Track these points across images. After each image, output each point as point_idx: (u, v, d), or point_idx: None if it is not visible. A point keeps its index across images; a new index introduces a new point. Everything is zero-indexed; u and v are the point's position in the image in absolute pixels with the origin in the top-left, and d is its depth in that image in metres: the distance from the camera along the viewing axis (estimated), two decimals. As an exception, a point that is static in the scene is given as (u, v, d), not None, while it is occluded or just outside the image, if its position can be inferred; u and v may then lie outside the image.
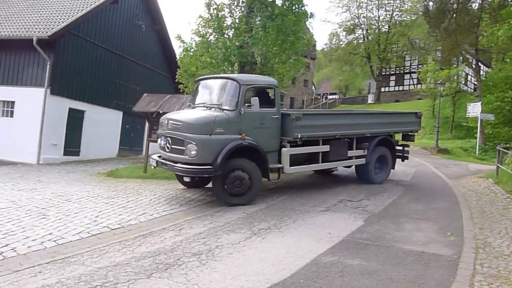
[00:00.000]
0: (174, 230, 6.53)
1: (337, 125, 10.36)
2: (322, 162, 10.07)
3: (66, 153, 17.54)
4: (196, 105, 9.30)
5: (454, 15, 27.64)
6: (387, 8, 49.74)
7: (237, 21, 15.73)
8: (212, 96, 9.34)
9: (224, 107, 8.60)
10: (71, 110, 17.67)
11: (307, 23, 30.52)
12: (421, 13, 35.26)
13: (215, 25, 15.03)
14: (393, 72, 52.70)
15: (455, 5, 27.84)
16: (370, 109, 33.39)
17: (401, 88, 51.72)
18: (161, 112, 12.56)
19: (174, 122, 8.48)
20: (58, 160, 16.76)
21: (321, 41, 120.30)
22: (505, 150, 12.99)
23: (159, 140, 9.20)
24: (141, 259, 5.14)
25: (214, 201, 8.76)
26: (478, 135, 25.59)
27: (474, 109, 25.65)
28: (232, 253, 5.40)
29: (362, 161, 10.98)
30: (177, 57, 16.80)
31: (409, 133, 12.51)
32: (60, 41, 16.85)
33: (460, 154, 24.36)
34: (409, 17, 48.08)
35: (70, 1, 18.77)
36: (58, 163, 16.34)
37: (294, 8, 15.50)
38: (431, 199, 9.70)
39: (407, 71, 50.94)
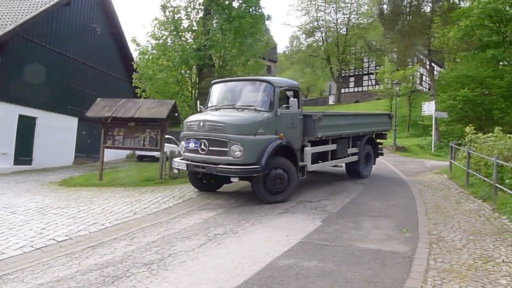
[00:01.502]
0: (126, 240, 6.24)
1: (344, 125, 11.39)
2: (330, 160, 10.84)
3: (17, 162, 16.73)
4: (221, 107, 9.43)
5: (408, 17, 28.56)
6: (345, 11, 50.85)
7: (194, 23, 15.53)
8: (241, 98, 9.47)
9: (259, 109, 8.89)
10: (21, 117, 16.87)
11: (266, 25, 30.62)
12: (376, 16, 36.23)
13: (172, 28, 14.76)
14: (352, 74, 53.81)
15: (408, 8, 28.76)
16: (334, 110, 33.93)
17: (360, 89, 52.90)
18: (116, 116, 12.21)
19: (213, 123, 8.49)
20: (9, 170, 15.94)
21: (283, 44, 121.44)
22: (457, 147, 13.40)
23: (182, 143, 9.22)
24: (87, 273, 4.85)
25: (171, 208, 8.52)
26: (433, 132, 26.44)
27: (429, 108, 26.50)
28: (186, 261, 5.20)
29: (355, 158, 11.92)
30: (134, 60, 16.33)
31: (383, 132, 13.82)
32: (8, 44, 16.07)
33: (417, 152, 25.10)
34: (365, 20, 49.27)
35: (20, 3, 17.95)
36: (8, 173, 15.53)
37: (251, 10, 15.45)
38: (389, 196, 9.83)
39: (366, 72, 52.14)
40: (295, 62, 58.77)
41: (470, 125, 13.55)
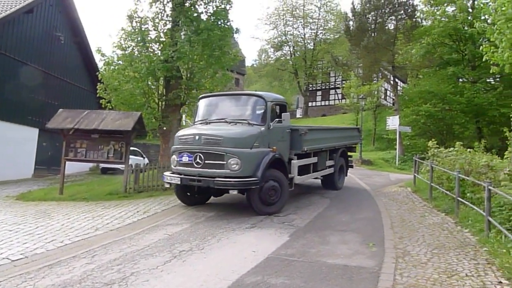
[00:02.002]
0: (86, 258, 5.95)
1: (324, 139, 12.00)
2: (312, 172, 11.23)
3: (-30, 175, 15.88)
4: (211, 121, 9.55)
5: (373, 34, 29.34)
6: (312, 27, 51.79)
7: (161, 35, 15.29)
8: (233, 112, 9.67)
9: (253, 122, 9.11)
10: (-25, 128, 16.08)
11: (235, 38, 30.68)
12: (343, 31, 37.09)
13: (138, 39, 14.47)
14: (319, 88, 54.70)
15: (373, 25, 29.57)
16: (302, 123, 34.21)
17: (327, 102, 53.80)
18: (79, 128, 11.81)
19: (210, 137, 8.61)
20: (-39, 184, 15.10)
21: (251, 57, 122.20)
22: (421, 161, 13.73)
23: (173, 156, 9.22)
24: (42, 294, 4.58)
25: (135, 223, 8.25)
26: (397, 146, 27.09)
27: (393, 122, 27.18)
28: (149, 280, 4.99)
29: (332, 170, 12.48)
30: (100, 71, 15.92)
31: (353, 146, 14.77)
32: (-36, 51, 15.36)
33: (382, 165, 25.60)
34: (332, 35, 50.37)
35: (-23, 9, 17.24)
36: (-40, 187, 14.70)
37: (219, 23, 15.40)
38: (355, 210, 9.90)
39: (332, 86, 53.13)
40: (263, 75, 59.19)
41: (433, 139, 13.92)
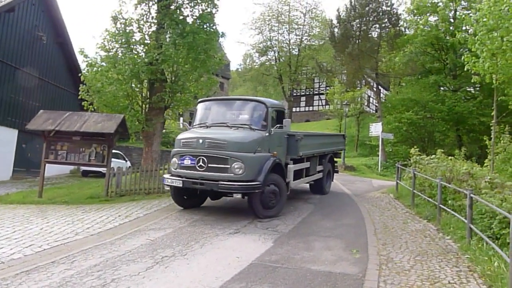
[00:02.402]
0: (65, 263, 5.79)
1: (317, 144, 12.31)
2: (305, 177, 11.46)
3: None
4: (212, 125, 9.58)
5: (357, 41, 29.67)
6: (297, 33, 51.99)
7: (146, 37, 15.15)
8: (234, 117, 9.77)
9: (254, 127, 9.24)
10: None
11: (220, 42, 30.55)
12: (328, 38, 37.43)
13: (123, 40, 14.30)
14: (303, 93, 55.02)
15: (358, 32, 29.91)
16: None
17: (311, 108, 54.15)
18: (60, 130, 11.57)
19: (214, 141, 8.71)
20: None
21: (236, 61, 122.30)
22: (403, 168, 13.88)
23: (174, 159, 9.20)
24: (18, 302, 4.42)
25: (117, 227, 8.09)
26: (380, 153, 27.38)
27: (376, 129, 27.47)
28: (130, 287, 4.88)
29: (321, 175, 12.82)
30: (82, 72, 15.61)
31: (339, 151, 15.31)
32: None
33: (364, 171, 25.82)
34: (317, 41, 50.72)
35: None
36: None
37: (205, 26, 15.34)
38: (339, 216, 9.92)
39: (316, 92, 53.52)
40: (247, 80, 59.17)
41: (415, 146, 14.13)
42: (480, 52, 13.04)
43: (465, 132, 28.40)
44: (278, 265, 5.90)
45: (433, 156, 12.32)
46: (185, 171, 8.96)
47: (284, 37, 52.48)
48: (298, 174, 10.87)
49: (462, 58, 13.91)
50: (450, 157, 12.91)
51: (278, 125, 9.64)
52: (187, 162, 8.89)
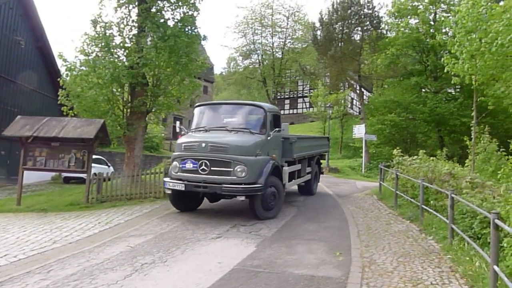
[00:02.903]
0: (41, 273, 5.61)
1: (307, 147, 12.66)
2: (297, 178, 11.76)
3: None
4: (211, 129, 9.73)
5: (340, 44, 29.87)
6: (280, 36, 52.08)
7: (127, 40, 14.94)
8: (233, 121, 9.96)
9: (254, 131, 9.51)
10: None
11: (203, 45, 30.29)
12: (311, 41, 37.58)
13: (102, 44, 14.07)
14: (287, 96, 55.20)
15: (340, 35, 30.12)
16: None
17: (295, 111, 54.32)
18: (38, 136, 11.31)
19: (217, 145, 8.87)
20: None
21: (221, 65, 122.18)
22: (386, 169, 13.95)
23: (175, 163, 9.28)
24: (-11, 315, 4.25)
25: (96, 235, 7.91)
26: (363, 154, 27.54)
27: (359, 131, 27.64)
28: (107, 296, 4.75)
29: (309, 176, 13.22)
30: (61, 77, 15.27)
31: (324, 153, 15.93)
32: None
33: (349, 173, 25.94)
34: (300, 44, 50.91)
35: None
36: None
37: (187, 30, 15.22)
38: (322, 218, 9.89)
39: (300, 95, 53.72)
40: (231, 83, 59.09)
41: (398, 147, 14.21)
42: (460, 54, 13.21)
43: (447, 133, 28.77)
44: (260, 270, 5.82)
45: (416, 157, 12.40)
46: (187, 174, 9.03)
47: (267, 40, 52.57)
48: (291, 176, 11.17)
49: (442, 59, 14.05)
50: (432, 158, 13.03)
51: (277, 129, 9.94)
52: (189, 165, 8.98)
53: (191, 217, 9.62)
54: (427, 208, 8.85)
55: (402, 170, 12.06)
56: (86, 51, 14.27)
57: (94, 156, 21.70)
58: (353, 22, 30.19)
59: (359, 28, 30.53)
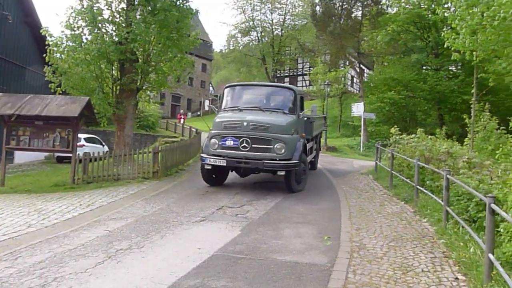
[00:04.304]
0: (8, 260, 5.27)
1: (317, 126, 13.56)
2: (309, 154, 12.15)
3: None
4: (245, 108, 10.37)
5: (340, 20, 29.04)
6: (280, 12, 50.92)
7: (116, 15, 14.35)
8: (266, 102, 10.96)
9: (286, 112, 10.32)
10: None
11: (200, 22, 29.30)
12: (310, 17, 36.64)
13: (89, 18, 13.47)
14: (287, 74, 54.26)
15: (339, 10, 29.27)
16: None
17: (295, 89, 53.53)
18: (20, 114, 10.89)
19: (259, 123, 9.51)
20: None
21: (221, 42, 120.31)
22: (382, 148, 13.55)
23: (214, 140, 9.78)
24: None
25: (75, 218, 7.58)
26: (362, 133, 27.11)
27: (358, 109, 27.12)
28: (72, 287, 4.40)
29: (315, 152, 14.14)
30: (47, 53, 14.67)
31: (322, 132, 17.22)
32: None
33: (347, 152, 25.57)
34: (300, 21, 49.80)
35: None
36: None
37: (178, 3, 14.61)
38: (314, 199, 9.54)
39: (300, 73, 52.84)
40: (231, 61, 58.15)
41: (395, 126, 13.78)
42: (460, 28, 12.61)
43: (447, 111, 28.22)
44: (242, 256, 5.48)
45: (413, 135, 11.99)
46: (227, 151, 9.58)
47: (266, 17, 51.46)
48: (308, 152, 11.93)
49: (442, 35, 13.45)
50: (430, 137, 12.62)
51: (306, 109, 11.11)
52: (230, 143, 9.54)
53: (178, 198, 9.29)
54: (422, 189, 8.47)
55: (398, 149, 11.67)
56: (72, 25, 13.71)
57: (88, 135, 21.60)
58: (353, -3, 29.30)
59: (359, 4, 29.66)
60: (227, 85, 11.71)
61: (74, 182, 11.13)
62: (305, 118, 11.35)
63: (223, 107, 10.84)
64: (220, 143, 9.67)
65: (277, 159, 9.39)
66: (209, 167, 9.96)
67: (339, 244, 6.12)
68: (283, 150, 9.39)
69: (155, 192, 9.95)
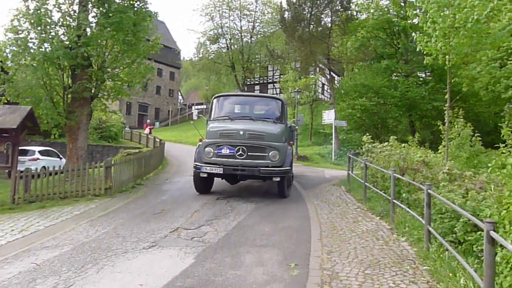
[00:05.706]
0: None
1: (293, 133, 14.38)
2: None
3: None
4: (235, 117, 10.72)
5: (309, 25, 28.55)
6: (249, 19, 50.31)
7: (67, 17, 13.19)
8: (256, 111, 11.57)
9: (275, 121, 10.74)
10: None
11: (168, 29, 28.17)
12: (279, 23, 36.12)
13: (35, 20, 12.28)
14: (257, 82, 53.65)
15: (308, 15, 28.78)
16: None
17: (265, 97, 52.92)
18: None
19: (254, 132, 9.86)
20: None
21: (190, 50, 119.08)
22: (354, 157, 12.85)
23: (209, 149, 9.86)
24: None
25: (1, 247, 6.43)
26: (333, 141, 26.53)
27: (329, 116, 26.55)
28: None
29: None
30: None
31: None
32: None
33: (318, 161, 24.89)
34: (269, 28, 49.34)
35: None
36: None
37: (136, 6, 13.62)
38: (281, 216, 8.64)
39: (270, 80, 52.33)
40: (200, 69, 57.03)
41: (367, 134, 13.11)
42: (433, 31, 12.11)
43: (418, 118, 28.04)
44: (190, 294, 4.53)
45: (386, 143, 11.33)
46: (223, 159, 9.76)
47: (235, 24, 50.69)
48: None
49: (414, 37, 12.94)
50: (403, 144, 12.01)
51: (293, 119, 11.99)
52: (226, 151, 9.76)
53: (128, 219, 8.24)
54: (398, 203, 7.72)
55: (372, 158, 10.97)
56: (17, 28, 12.48)
57: (43, 148, 20.11)
58: (322, 2, 28.87)
59: (328, 9, 29.26)
60: (216, 95, 11.90)
61: (14, 202, 9.87)
62: (289, 126, 11.76)
63: (212, 116, 10.95)
64: (215, 151, 9.84)
65: (271, 166, 9.71)
66: (205, 175, 10.02)
67: (308, 273, 5.26)
68: (277, 157, 9.73)
69: (104, 212, 8.85)
